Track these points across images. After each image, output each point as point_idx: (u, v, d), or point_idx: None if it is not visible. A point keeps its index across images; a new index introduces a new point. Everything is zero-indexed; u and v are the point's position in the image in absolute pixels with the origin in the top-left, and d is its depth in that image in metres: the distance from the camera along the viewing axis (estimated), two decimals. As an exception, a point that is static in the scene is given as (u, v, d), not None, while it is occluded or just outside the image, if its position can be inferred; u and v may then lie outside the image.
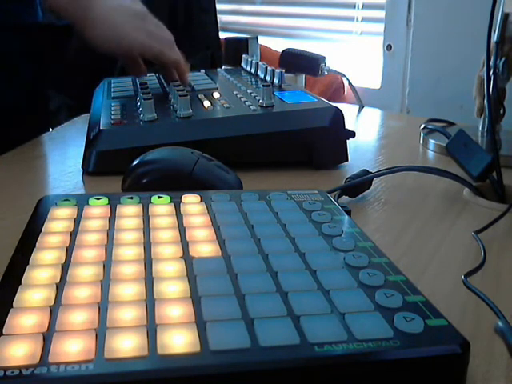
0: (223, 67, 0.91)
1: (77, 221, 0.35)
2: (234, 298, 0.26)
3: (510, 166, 0.60)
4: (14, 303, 0.25)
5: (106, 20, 0.72)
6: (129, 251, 0.31)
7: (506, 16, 0.66)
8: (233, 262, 0.30)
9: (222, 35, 1.25)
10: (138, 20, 0.73)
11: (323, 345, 0.23)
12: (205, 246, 0.32)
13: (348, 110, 0.86)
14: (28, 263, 0.29)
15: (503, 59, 0.67)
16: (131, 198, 0.39)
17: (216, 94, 0.68)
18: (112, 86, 0.75)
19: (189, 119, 0.59)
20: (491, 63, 0.63)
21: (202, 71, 0.84)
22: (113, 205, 0.37)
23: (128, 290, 0.27)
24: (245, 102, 0.63)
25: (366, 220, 0.47)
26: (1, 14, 0.79)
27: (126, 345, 0.22)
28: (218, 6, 1.04)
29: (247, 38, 1.12)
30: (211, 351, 0.22)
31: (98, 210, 0.37)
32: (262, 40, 1.26)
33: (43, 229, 0.33)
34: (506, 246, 0.43)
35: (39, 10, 0.85)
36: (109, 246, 0.31)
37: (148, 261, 0.30)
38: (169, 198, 0.39)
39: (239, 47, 1.07)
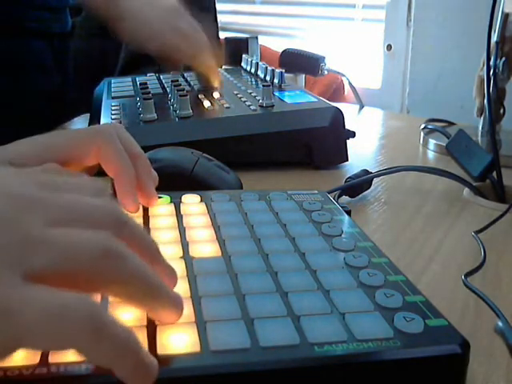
0: (223, 67, 0.91)
1: (77, 221, 0.35)
2: (234, 298, 0.26)
3: (510, 166, 0.60)
4: (14, 303, 0.25)
5: (138, 14, 0.71)
6: (129, 251, 0.31)
7: (506, 16, 0.66)
8: (233, 262, 0.30)
9: (222, 35, 1.25)
10: (171, 17, 0.72)
11: (323, 345, 0.23)
12: (205, 246, 0.32)
13: (348, 110, 0.86)
14: (28, 263, 0.29)
15: (503, 59, 0.67)
16: (131, 198, 0.38)
17: (216, 94, 0.68)
18: (112, 85, 0.75)
19: (189, 119, 0.59)
20: (491, 63, 0.63)
21: (202, 71, 0.83)
22: (113, 205, 0.37)
23: (128, 290, 0.26)
24: (245, 102, 0.63)
25: (366, 220, 0.47)
26: (34, 22, 0.80)
27: (126, 345, 0.22)
28: (218, 6, 1.04)
29: (247, 38, 1.11)
30: (211, 351, 0.22)
31: (98, 210, 0.37)
32: (262, 40, 1.26)
33: (43, 229, 0.33)
34: (506, 245, 0.43)
35: (69, 19, 0.86)
36: (109, 246, 0.31)
37: (148, 261, 0.30)
38: (169, 198, 0.39)
39: (239, 47, 1.06)
